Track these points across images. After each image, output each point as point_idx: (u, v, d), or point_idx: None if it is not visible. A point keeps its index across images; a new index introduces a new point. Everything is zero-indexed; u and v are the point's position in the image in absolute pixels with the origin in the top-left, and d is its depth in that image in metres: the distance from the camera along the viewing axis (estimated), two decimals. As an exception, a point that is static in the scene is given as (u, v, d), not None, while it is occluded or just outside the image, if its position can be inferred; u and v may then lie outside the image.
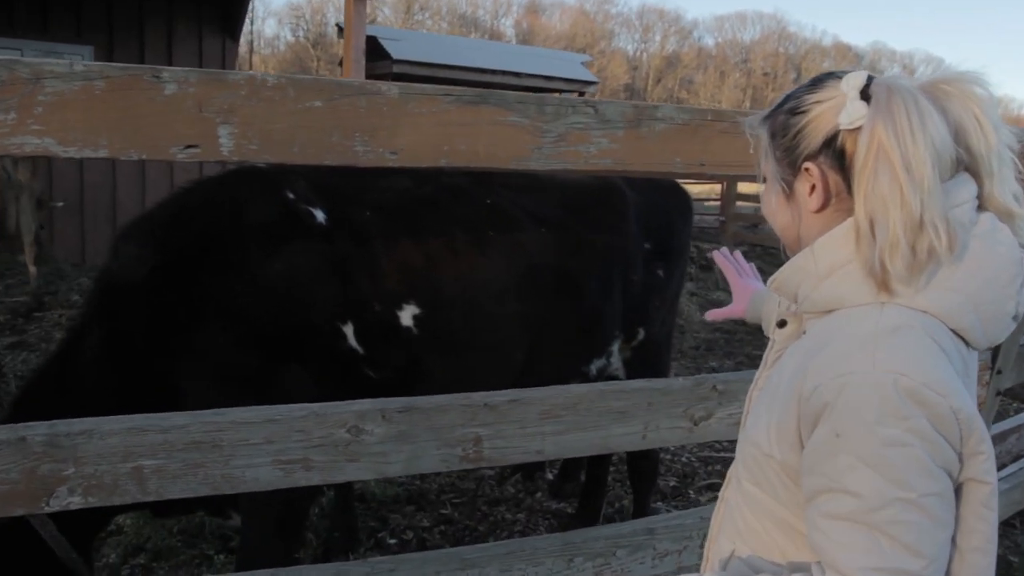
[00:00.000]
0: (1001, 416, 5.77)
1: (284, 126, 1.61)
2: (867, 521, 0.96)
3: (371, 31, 14.08)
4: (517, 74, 15.00)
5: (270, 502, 2.40)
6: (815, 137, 1.13)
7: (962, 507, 1.04)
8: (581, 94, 15.65)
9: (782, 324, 1.29)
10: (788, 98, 1.19)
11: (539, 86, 15.19)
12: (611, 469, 4.18)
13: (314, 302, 2.38)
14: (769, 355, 1.31)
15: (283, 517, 2.46)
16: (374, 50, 13.46)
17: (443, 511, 3.84)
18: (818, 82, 1.16)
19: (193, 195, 2.45)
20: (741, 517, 1.20)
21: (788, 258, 1.27)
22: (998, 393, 2.77)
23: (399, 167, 1.76)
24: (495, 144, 1.78)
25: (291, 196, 2.44)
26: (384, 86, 1.68)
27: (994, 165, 1.11)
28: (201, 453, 1.73)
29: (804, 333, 1.22)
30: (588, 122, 1.86)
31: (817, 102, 1.13)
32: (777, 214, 1.24)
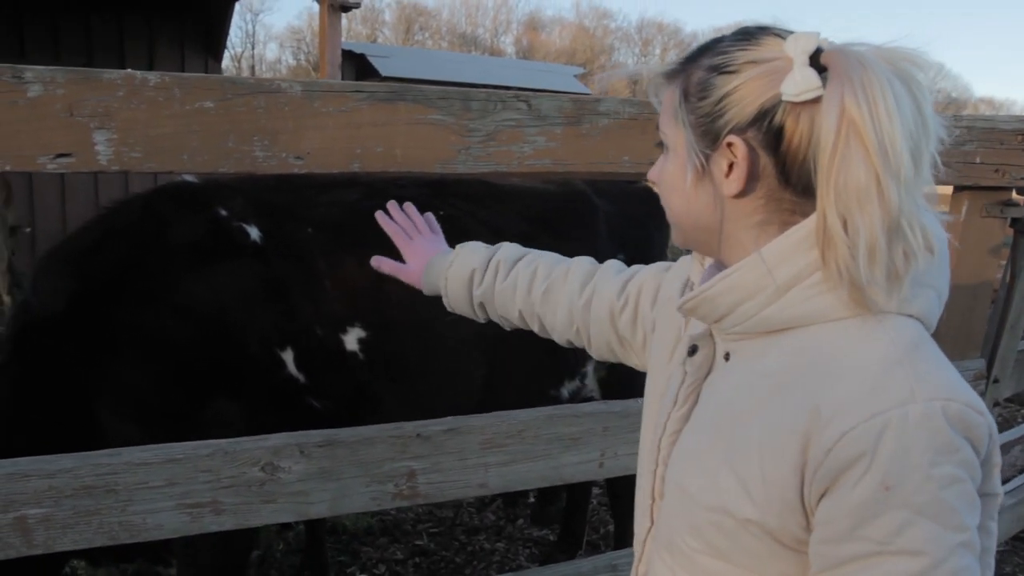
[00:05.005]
0: (1009, 424, 5.56)
1: (171, 131, 1.44)
2: None
3: (360, 48, 14.02)
4: (508, 88, 14.84)
5: (204, 545, 2.21)
6: (747, 106, 0.90)
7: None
8: (575, 107, 15.41)
9: (693, 351, 1.04)
10: (708, 49, 0.95)
11: (532, 100, 14.98)
12: (597, 491, 3.99)
13: (247, 328, 2.19)
14: (680, 391, 1.05)
15: (221, 561, 2.27)
16: (363, 68, 13.38)
17: (418, 542, 3.64)
18: (750, 36, 0.93)
19: (116, 217, 2.27)
20: None
21: (679, 246, 1.06)
22: (996, 404, 2.56)
23: (328, 174, 1.58)
24: (415, 146, 1.60)
25: (223, 213, 2.26)
26: (285, 83, 1.51)
27: (925, 162, 0.90)
28: (94, 499, 1.55)
29: (727, 359, 0.99)
30: (521, 119, 1.68)
31: (751, 62, 0.90)
32: (677, 190, 0.99)
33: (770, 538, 0.88)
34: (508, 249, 1.54)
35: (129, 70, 1.41)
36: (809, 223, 0.88)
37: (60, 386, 2.10)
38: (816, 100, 0.86)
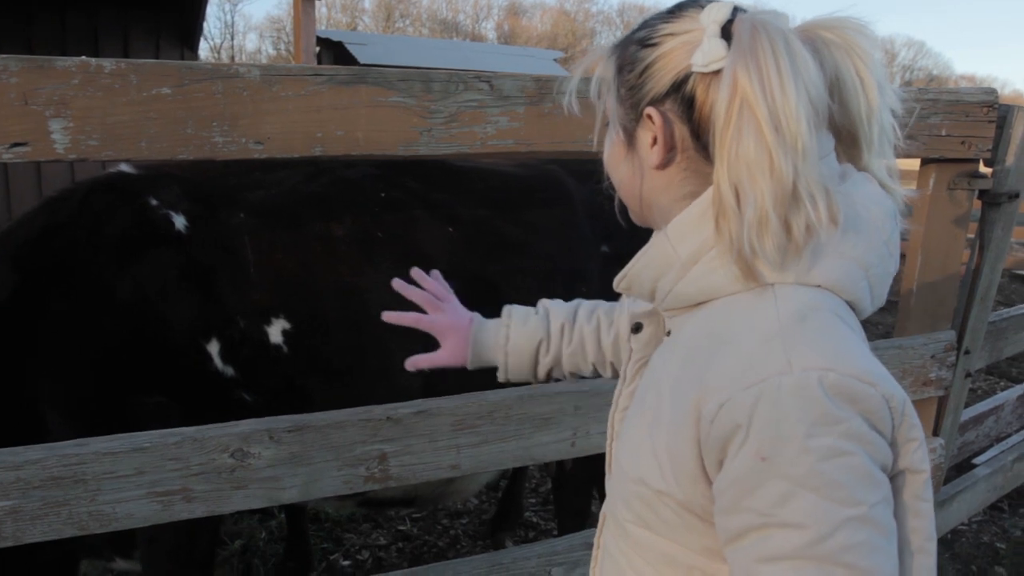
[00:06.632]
0: (988, 394, 5.61)
1: (128, 118, 1.43)
2: (816, 555, 0.77)
3: (338, 36, 13.94)
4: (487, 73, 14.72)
5: (166, 541, 2.19)
6: (663, 78, 0.91)
7: (897, 505, 0.87)
8: (556, 91, 15.37)
9: (637, 328, 1.08)
10: (642, 25, 0.98)
11: (513, 85, 14.90)
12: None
13: (170, 319, 2.13)
14: (628, 368, 1.09)
15: (186, 558, 2.24)
16: (341, 56, 13.30)
17: (401, 527, 3.65)
18: (678, 9, 0.94)
19: (55, 208, 2.21)
20: (631, 567, 0.99)
21: (625, 219, 1.08)
22: (968, 375, 2.59)
23: (278, 159, 1.57)
24: (376, 128, 1.60)
25: (153, 203, 2.18)
26: (243, 68, 1.50)
27: (874, 133, 0.93)
28: (62, 490, 1.55)
29: (668, 335, 1.02)
30: (483, 99, 1.68)
31: (670, 34, 0.92)
32: (616, 166, 1.03)
33: (683, 509, 0.89)
34: (560, 309, 1.47)
35: (84, 57, 1.40)
36: (707, 196, 0.89)
37: (5, 377, 2.07)
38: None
